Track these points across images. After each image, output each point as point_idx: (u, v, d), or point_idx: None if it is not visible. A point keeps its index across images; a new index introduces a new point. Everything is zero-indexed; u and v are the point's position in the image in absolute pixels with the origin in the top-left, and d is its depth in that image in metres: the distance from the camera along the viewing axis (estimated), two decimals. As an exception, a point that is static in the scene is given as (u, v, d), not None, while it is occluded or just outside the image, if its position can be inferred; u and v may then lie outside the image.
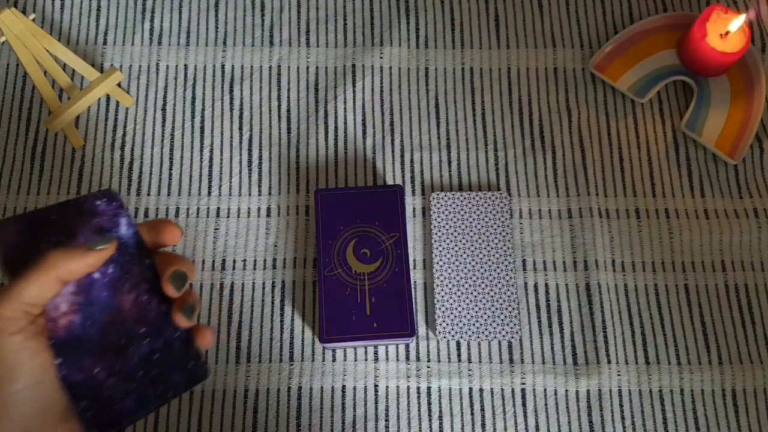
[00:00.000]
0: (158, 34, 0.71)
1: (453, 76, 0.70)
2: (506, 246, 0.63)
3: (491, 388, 0.60)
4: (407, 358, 0.61)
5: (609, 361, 0.61)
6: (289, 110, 0.69)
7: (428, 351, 0.61)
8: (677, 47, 0.70)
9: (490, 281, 0.62)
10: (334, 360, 0.61)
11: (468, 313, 0.61)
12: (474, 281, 0.62)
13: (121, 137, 0.68)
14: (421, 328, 0.62)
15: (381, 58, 0.70)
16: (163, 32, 0.71)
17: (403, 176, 0.67)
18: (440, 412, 0.60)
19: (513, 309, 0.61)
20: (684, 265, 0.64)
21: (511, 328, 0.61)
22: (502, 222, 0.64)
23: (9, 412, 0.32)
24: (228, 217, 0.65)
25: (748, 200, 0.66)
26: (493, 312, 0.61)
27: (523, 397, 0.60)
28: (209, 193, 0.66)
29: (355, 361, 0.61)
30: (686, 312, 0.63)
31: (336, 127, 0.68)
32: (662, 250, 0.64)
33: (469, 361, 0.61)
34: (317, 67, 0.70)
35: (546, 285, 0.63)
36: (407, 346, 0.62)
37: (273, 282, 0.63)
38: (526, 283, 0.63)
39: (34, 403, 0.32)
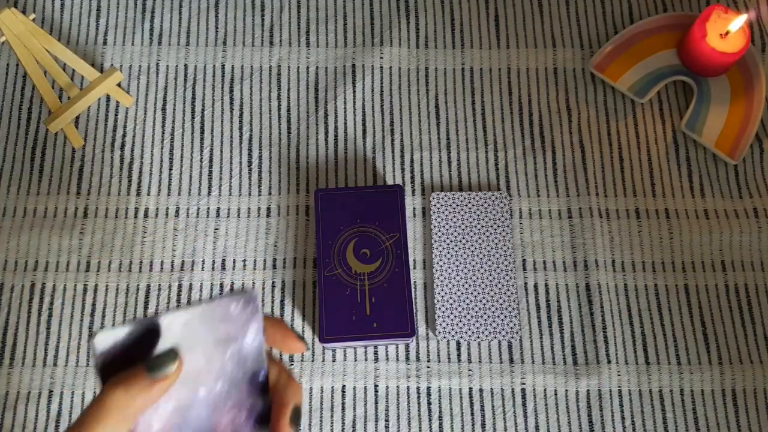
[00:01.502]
0: (158, 34, 0.71)
1: (453, 76, 0.70)
2: (506, 246, 0.63)
3: (491, 388, 0.60)
4: (407, 358, 0.61)
5: (609, 361, 0.61)
6: (289, 110, 0.69)
7: (428, 351, 0.61)
8: (677, 47, 0.70)
9: (490, 281, 0.62)
10: (334, 360, 0.61)
11: (468, 313, 0.61)
12: (474, 281, 0.62)
13: (121, 137, 0.68)
14: (421, 328, 0.62)
15: (381, 58, 0.70)
16: (163, 32, 0.71)
17: (403, 176, 0.67)
18: (440, 412, 0.60)
19: (513, 309, 0.61)
20: (684, 265, 0.64)
21: (511, 328, 0.61)
22: (502, 222, 0.64)
23: None
24: (228, 217, 0.65)
25: (748, 200, 0.66)
26: (493, 312, 0.61)
27: (523, 397, 0.60)
28: (209, 193, 0.66)
29: (355, 361, 0.61)
30: (686, 312, 0.63)
31: (336, 127, 0.68)
32: (662, 250, 0.64)
33: (469, 361, 0.61)
34: (317, 67, 0.70)
35: (546, 285, 0.63)
36: (407, 346, 0.62)
37: (273, 282, 0.63)
38: (526, 283, 0.63)
39: None
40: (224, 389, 0.33)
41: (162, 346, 0.31)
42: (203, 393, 0.33)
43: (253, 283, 0.63)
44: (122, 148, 0.67)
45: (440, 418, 0.59)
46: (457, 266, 0.62)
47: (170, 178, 0.66)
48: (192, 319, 0.32)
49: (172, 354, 0.31)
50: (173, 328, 0.31)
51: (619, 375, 0.61)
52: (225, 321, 0.32)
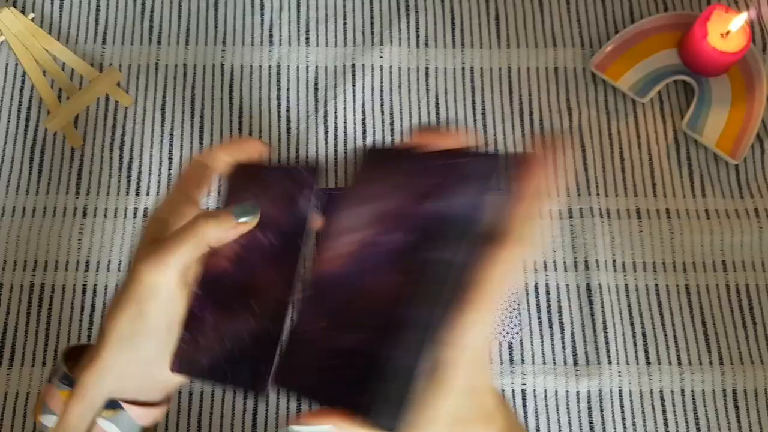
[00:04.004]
0: (157, 33, 0.71)
1: (453, 75, 0.70)
2: (506, 246, 0.63)
3: (491, 389, 0.60)
4: (407, 358, 0.61)
5: (609, 362, 0.61)
6: (288, 110, 0.69)
7: (428, 351, 0.61)
8: (678, 47, 0.70)
9: (491, 281, 0.62)
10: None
11: (468, 314, 0.61)
12: (474, 281, 0.62)
13: (120, 137, 0.67)
14: (421, 329, 0.62)
15: (381, 57, 0.70)
16: (163, 31, 0.71)
17: (403, 176, 0.66)
18: (440, 412, 0.59)
19: (513, 309, 0.61)
20: (685, 265, 0.64)
21: (512, 328, 0.61)
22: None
23: (145, 325, 0.36)
24: (227, 217, 0.65)
25: (749, 200, 0.66)
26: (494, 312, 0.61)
27: (524, 397, 0.60)
28: (208, 193, 0.66)
29: (355, 361, 0.61)
30: (687, 312, 0.63)
31: (336, 127, 0.68)
32: (663, 250, 0.64)
33: (470, 362, 0.61)
34: (317, 67, 0.70)
35: (546, 285, 0.63)
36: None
37: (273, 282, 0.63)
38: (526, 284, 0.63)
39: (162, 320, 0.37)
40: (277, 245, 0.38)
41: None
42: (265, 240, 0.38)
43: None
44: (121, 147, 0.67)
45: (440, 418, 0.59)
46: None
47: (170, 178, 0.66)
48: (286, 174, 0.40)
49: (254, 208, 0.38)
50: None
51: (619, 375, 0.60)
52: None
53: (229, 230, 0.37)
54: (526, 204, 0.32)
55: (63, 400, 0.36)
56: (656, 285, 0.63)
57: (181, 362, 0.37)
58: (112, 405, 0.36)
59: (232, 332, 0.37)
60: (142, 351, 0.36)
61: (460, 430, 0.33)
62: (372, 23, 0.72)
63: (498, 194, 0.31)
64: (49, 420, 0.37)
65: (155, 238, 0.37)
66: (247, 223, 0.37)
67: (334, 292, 0.34)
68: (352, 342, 0.32)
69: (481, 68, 0.70)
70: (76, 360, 0.38)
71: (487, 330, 0.33)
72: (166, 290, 0.36)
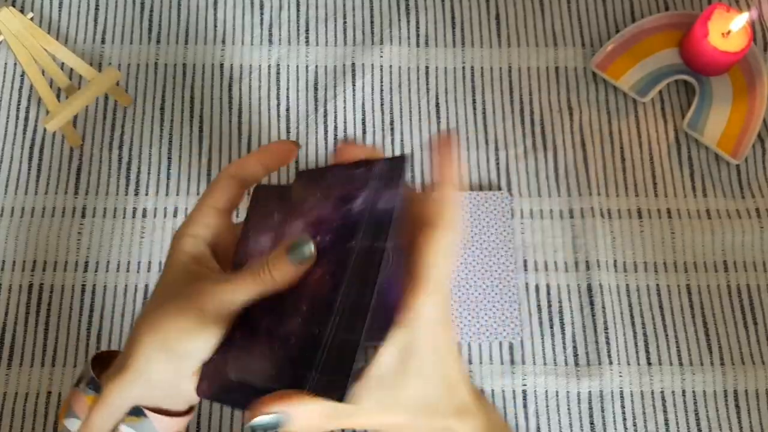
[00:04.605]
0: (157, 32, 0.71)
1: (453, 74, 0.70)
2: (507, 246, 0.63)
3: (492, 390, 0.60)
4: (407, 358, 0.61)
5: (610, 362, 0.60)
6: (288, 109, 0.69)
7: (428, 352, 0.61)
8: (679, 46, 0.70)
9: (491, 282, 0.62)
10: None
11: (468, 314, 0.61)
12: (474, 282, 0.62)
13: (120, 136, 0.67)
14: (422, 329, 0.62)
15: (381, 56, 0.70)
16: (162, 31, 0.71)
17: (403, 176, 0.66)
18: (440, 413, 0.59)
19: (514, 310, 0.61)
20: (686, 266, 0.64)
21: (512, 329, 0.60)
22: (503, 222, 0.64)
23: (187, 345, 0.36)
24: (227, 217, 0.65)
25: (751, 200, 0.66)
26: (494, 313, 0.61)
27: (524, 398, 0.60)
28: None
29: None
30: (688, 313, 0.62)
31: (336, 127, 0.68)
32: (664, 251, 0.64)
33: (470, 362, 0.61)
34: (317, 66, 0.70)
35: (547, 285, 0.63)
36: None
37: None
38: (527, 284, 0.63)
39: (206, 342, 0.36)
40: (329, 245, 0.36)
41: None
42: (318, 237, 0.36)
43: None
44: (120, 147, 0.67)
45: (440, 419, 0.59)
46: (457, 267, 0.62)
47: (168, 178, 0.66)
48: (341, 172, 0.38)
49: (309, 245, 0.35)
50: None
51: (620, 376, 0.60)
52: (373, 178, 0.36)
53: (294, 272, 0.35)
54: (442, 191, 0.35)
55: (88, 405, 0.36)
56: (657, 285, 0.63)
57: (210, 385, 0.36)
58: (136, 412, 0.36)
59: (282, 333, 0.35)
60: (175, 365, 0.36)
61: (431, 420, 0.34)
62: (372, 22, 0.71)
63: (407, 187, 0.34)
64: (73, 424, 0.37)
65: (194, 256, 0.38)
66: (306, 261, 0.35)
67: (278, 293, 0.36)
68: (290, 327, 0.34)
69: (482, 68, 0.70)
70: (102, 366, 0.38)
71: (443, 314, 0.34)
72: (225, 321, 0.36)
